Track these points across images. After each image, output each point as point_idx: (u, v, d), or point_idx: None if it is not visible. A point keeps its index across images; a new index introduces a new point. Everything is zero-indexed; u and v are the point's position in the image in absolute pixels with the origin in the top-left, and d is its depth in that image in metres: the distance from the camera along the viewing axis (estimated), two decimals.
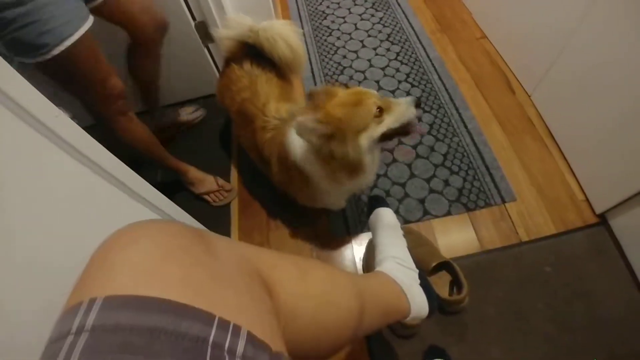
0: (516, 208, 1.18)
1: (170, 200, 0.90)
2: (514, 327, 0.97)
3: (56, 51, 0.76)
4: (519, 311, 0.99)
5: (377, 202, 1.02)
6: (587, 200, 1.17)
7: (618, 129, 1.02)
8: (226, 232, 1.26)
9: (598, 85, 1.07)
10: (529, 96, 1.42)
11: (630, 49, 0.94)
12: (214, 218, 1.29)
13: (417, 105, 0.80)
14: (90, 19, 0.83)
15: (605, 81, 1.04)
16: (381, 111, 0.79)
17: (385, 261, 0.80)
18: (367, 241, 1.16)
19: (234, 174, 1.41)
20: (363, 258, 1.14)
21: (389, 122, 0.80)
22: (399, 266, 0.78)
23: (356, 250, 1.17)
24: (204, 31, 1.32)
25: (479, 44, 1.62)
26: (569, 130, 1.25)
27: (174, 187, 1.32)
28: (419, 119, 1.40)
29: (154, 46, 1.15)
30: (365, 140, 0.79)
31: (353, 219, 1.22)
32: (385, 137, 0.81)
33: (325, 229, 1.22)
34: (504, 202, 1.18)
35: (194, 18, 1.28)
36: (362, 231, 1.20)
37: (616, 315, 0.98)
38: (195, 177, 1.29)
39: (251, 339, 0.31)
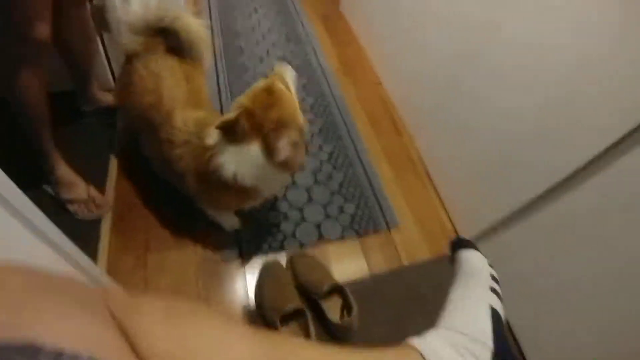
0: (399, 235, 1.29)
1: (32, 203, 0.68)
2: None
3: None
4: (403, 329, 1.06)
5: (460, 244, 0.72)
6: (455, 230, 1.36)
7: (483, 166, 1.23)
8: (92, 251, 1.04)
9: (468, 129, 1.29)
10: (412, 140, 1.63)
11: (497, 102, 1.18)
12: (78, 231, 1.06)
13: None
14: None
15: (471, 125, 1.26)
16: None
17: (434, 335, 0.48)
18: (261, 267, 1.09)
19: (111, 183, 1.20)
20: (255, 289, 1.06)
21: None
22: (451, 348, 0.44)
23: (249, 279, 1.09)
24: (100, 16, 1.16)
25: (375, 89, 1.82)
26: (442, 169, 1.47)
27: (30, 181, 1.04)
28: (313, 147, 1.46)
29: (76, 13, 1.05)
30: (295, 135, 0.80)
31: (247, 241, 1.15)
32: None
33: (214, 252, 1.12)
34: (388, 228, 1.29)
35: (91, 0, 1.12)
36: (255, 254, 1.14)
37: None
38: (65, 176, 1.07)
39: None
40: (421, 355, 0.42)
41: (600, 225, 0.89)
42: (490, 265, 0.57)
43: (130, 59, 1.00)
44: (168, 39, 1.00)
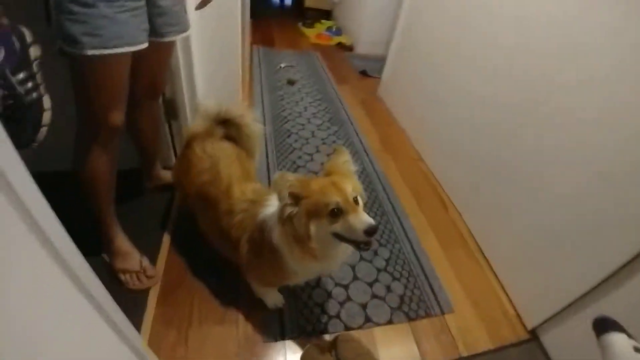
0: (454, 320, 1.16)
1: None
2: None
3: (89, 52, 0.77)
4: None
5: (603, 325, 0.61)
6: (518, 315, 1.20)
7: (543, 248, 1.14)
8: (137, 321, 1.05)
9: (516, 208, 1.24)
10: (460, 215, 1.57)
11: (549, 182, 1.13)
12: (126, 300, 1.08)
13: (370, 233, 0.77)
14: (138, 46, 0.86)
15: (523, 200, 1.20)
16: (338, 213, 0.79)
17: None
18: (304, 350, 1.02)
19: (162, 256, 1.25)
20: None
21: (339, 229, 0.79)
22: None
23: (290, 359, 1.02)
24: (171, 107, 1.36)
25: (416, 164, 1.85)
26: (497, 248, 1.37)
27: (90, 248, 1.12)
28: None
29: (149, 105, 1.19)
30: (314, 226, 0.80)
31: (291, 322, 1.10)
32: (337, 237, 0.81)
33: (255, 331, 1.07)
34: (442, 313, 1.17)
35: (163, 94, 1.32)
36: (298, 336, 1.07)
37: None
38: (122, 247, 1.13)
39: None
40: None
41: None
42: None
43: (190, 143, 1.12)
44: (229, 129, 1.14)
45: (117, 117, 0.93)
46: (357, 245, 0.80)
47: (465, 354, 1.07)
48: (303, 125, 2.01)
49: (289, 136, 1.90)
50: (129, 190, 1.39)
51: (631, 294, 0.88)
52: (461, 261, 1.38)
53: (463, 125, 1.56)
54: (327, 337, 1.07)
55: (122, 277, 1.13)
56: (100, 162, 0.99)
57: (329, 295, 1.17)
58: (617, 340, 0.55)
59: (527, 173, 1.20)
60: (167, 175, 1.46)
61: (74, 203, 1.17)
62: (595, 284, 0.96)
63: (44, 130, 0.80)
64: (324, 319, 1.11)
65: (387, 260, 1.31)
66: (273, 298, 1.11)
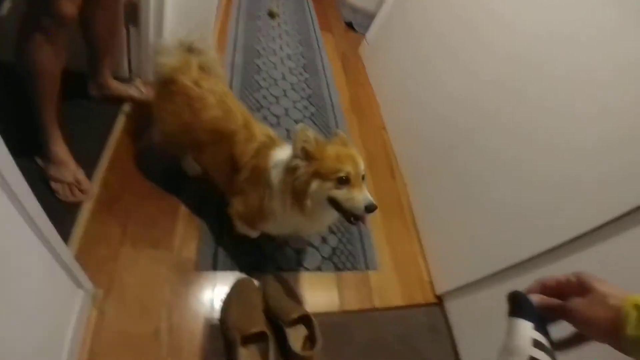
0: (376, 278, 1.29)
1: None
2: None
3: None
4: None
5: (518, 307, 0.53)
6: (431, 282, 1.36)
7: (466, 230, 1.26)
8: (66, 232, 1.02)
9: (459, 190, 1.33)
10: (405, 186, 1.67)
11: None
12: (56, 210, 1.03)
13: (369, 210, 0.83)
14: None
15: (462, 187, 1.30)
16: (345, 181, 0.84)
17: None
18: (233, 284, 1.07)
19: (100, 172, 1.19)
20: (222, 304, 1.03)
21: (339, 195, 0.85)
22: None
23: (218, 293, 1.06)
24: (133, 11, 1.22)
25: (379, 132, 1.88)
26: (429, 222, 1.49)
27: (23, 149, 0.97)
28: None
29: (110, 1, 1.09)
30: (315, 185, 0.86)
31: (226, 256, 1.14)
32: (332, 202, 0.87)
33: (190, 260, 1.10)
34: (367, 269, 1.29)
35: None
36: (231, 270, 1.12)
37: None
38: (58, 155, 1.06)
39: None
40: None
41: None
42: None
43: (174, 78, 1.02)
44: (198, 57, 1.07)
45: (69, 6, 0.84)
46: (348, 217, 0.86)
47: (378, 306, 1.21)
48: (275, 64, 1.92)
49: (258, 72, 1.81)
50: (74, 95, 1.26)
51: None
52: (395, 227, 1.49)
53: (430, 111, 1.59)
54: (258, 275, 1.14)
55: (54, 185, 1.07)
56: (43, 54, 0.89)
57: (269, 238, 1.22)
58: (521, 329, 0.48)
59: (475, 174, 1.27)
60: (116, 86, 1.35)
61: (14, 97, 1.05)
62: (500, 269, 1.09)
63: None
64: (259, 257, 1.17)
65: None
66: (253, 234, 1.15)
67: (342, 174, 0.83)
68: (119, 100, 1.37)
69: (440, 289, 1.32)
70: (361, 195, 0.84)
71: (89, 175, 1.14)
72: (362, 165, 0.87)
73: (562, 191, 0.96)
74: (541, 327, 0.45)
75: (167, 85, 1.04)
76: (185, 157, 1.23)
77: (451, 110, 1.44)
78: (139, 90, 1.41)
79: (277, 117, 1.63)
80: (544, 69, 1.07)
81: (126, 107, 1.38)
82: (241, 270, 1.12)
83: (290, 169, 0.88)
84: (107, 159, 1.23)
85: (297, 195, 0.88)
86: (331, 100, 1.88)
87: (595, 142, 0.90)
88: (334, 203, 0.86)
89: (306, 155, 0.86)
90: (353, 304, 1.18)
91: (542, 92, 1.06)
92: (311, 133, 0.86)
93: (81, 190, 1.09)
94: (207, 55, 1.07)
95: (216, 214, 1.19)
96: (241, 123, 1.01)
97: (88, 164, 1.16)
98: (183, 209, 1.20)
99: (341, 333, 1.09)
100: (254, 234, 1.13)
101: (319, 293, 1.17)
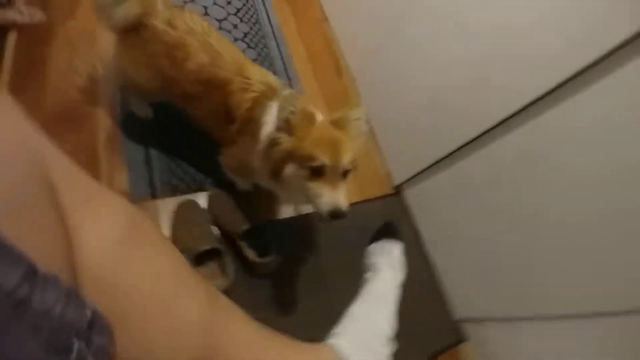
0: None
1: None
2: (317, 285, 1.02)
3: None
4: (322, 272, 1.05)
5: (387, 231, 0.69)
6: (388, 174, 1.35)
7: (416, 115, 1.21)
8: None
9: (414, 79, 1.24)
10: (354, 81, 1.55)
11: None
12: None
13: (334, 217, 0.70)
14: None
15: (422, 77, 1.21)
16: (320, 173, 0.71)
17: (344, 335, 0.51)
18: (174, 208, 0.99)
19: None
20: (169, 230, 0.96)
21: (309, 188, 0.73)
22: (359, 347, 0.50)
23: (163, 220, 0.98)
24: None
25: (320, 25, 1.67)
26: (382, 113, 1.42)
27: None
28: None
29: None
30: (289, 169, 0.75)
31: (161, 181, 1.03)
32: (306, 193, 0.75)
33: (123, 193, 1.00)
34: None
35: None
36: (172, 195, 1.03)
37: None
38: None
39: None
40: (336, 353, 0.46)
41: (520, 174, 0.94)
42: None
43: (141, 23, 0.81)
44: None
45: None
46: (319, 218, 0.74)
47: None
48: None
49: None
50: None
51: (482, 161, 1.03)
52: None
53: None
54: (202, 196, 1.06)
55: None
56: None
57: (204, 154, 1.11)
58: (395, 249, 0.63)
59: (422, 42, 1.17)
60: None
61: None
62: (451, 151, 1.09)
63: None
64: (200, 177, 1.08)
65: None
66: (243, 183, 1.06)
67: (316, 164, 0.70)
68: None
69: (398, 179, 1.32)
70: (330, 197, 0.70)
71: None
72: (347, 158, 0.73)
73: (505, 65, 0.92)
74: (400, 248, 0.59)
75: (134, 33, 0.82)
76: (138, 99, 1.04)
77: None
78: (21, 12, 1.12)
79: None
80: None
81: (11, 38, 1.11)
82: (182, 194, 1.04)
83: (272, 142, 0.76)
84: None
85: (275, 171, 0.78)
86: None
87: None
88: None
89: (290, 129, 0.74)
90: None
91: None
92: (299, 103, 0.74)
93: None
94: None
95: (140, 136, 1.06)
96: (234, 69, 0.84)
97: None
98: (101, 138, 1.04)
99: (299, 235, 1.08)
100: (245, 185, 1.04)
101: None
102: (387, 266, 0.59)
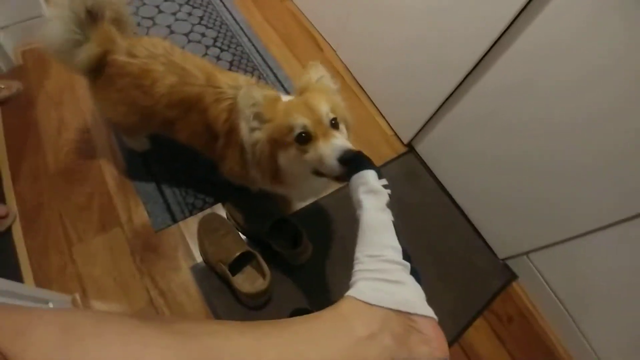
0: None
1: None
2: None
3: None
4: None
5: (355, 167, 0.62)
6: (396, 134, 1.31)
7: (410, 77, 1.15)
8: (10, 262, 0.92)
9: (390, 39, 1.18)
10: (335, 52, 1.50)
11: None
12: None
13: (345, 161, 0.61)
14: None
15: (396, 35, 1.14)
16: (307, 138, 0.65)
17: (360, 278, 0.50)
18: (197, 225, 1.00)
19: (9, 191, 1.03)
20: (199, 247, 0.99)
21: (310, 160, 0.66)
22: (374, 281, 0.49)
23: (190, 240, 1.01)
24: None
25: (283, 6, 1.62)
26: (372, 76, 1.37)
27: None
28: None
29: None
30: (282, 158, 0.70)
31: (176, 203, 1.05)
32: (317, 173, 0.68)
33: (144, 224, 1.02)
34: None
35: None
36: (190, 214, 1.04)
37: (435, 221, 1.15)
38: None
39: None
40: (355, 298, 0.46)
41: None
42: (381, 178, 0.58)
43: (100, 66, 0.81)
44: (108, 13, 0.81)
45: None
46: (333, 179, 0.66)
47: None
48: None
49: None
50: None
51: (475, 99, 0.99)
52: (344, 98, 1.37)
53: None
54: (220, 207, 1.07)
55: None
56: None
57: (211, 167, 1.11)
58: (372, 176, 0.59)
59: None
60: None
61: None
62: (448, 94, 1.04)
63: None
64: (211, 190, 1.08)
65: None
66: (254, 186, 1.01)
67: (298, 131, 0.64)
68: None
69: (408, 136, 1.27)
70: (330, 147, 0.62)
71: (0, 199, 1.00)
72: (324, 108, 0.66)
73: None
74: (380, 175, 0.58)
75: (100, 72, 0.82)
76: (132, 136, 1.04)
77: None
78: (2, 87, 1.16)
79: (151, 18, 1.38)
80: None
81: None
82: (201, 210, 1.05)
83: (252, 147, 0.72)
84: (8, 177, 1.05)
85: (272, 172, 0.73)
86: None
87: None
88: (318, 173, 0.68)
89: (261, 119, 0.70)
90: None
91: None
92: (257, 92, 0.68)
93: (1, 218, 0.97)
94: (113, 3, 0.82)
95: (146, 168, 1.08)
96: (203, 81, 0.80)
97: None
98: (110, 181, 1.07)
99: (325, 218, 1.07)
100: (256, 187, 1.00)
101: None
102: (366, 194, 0.57)
